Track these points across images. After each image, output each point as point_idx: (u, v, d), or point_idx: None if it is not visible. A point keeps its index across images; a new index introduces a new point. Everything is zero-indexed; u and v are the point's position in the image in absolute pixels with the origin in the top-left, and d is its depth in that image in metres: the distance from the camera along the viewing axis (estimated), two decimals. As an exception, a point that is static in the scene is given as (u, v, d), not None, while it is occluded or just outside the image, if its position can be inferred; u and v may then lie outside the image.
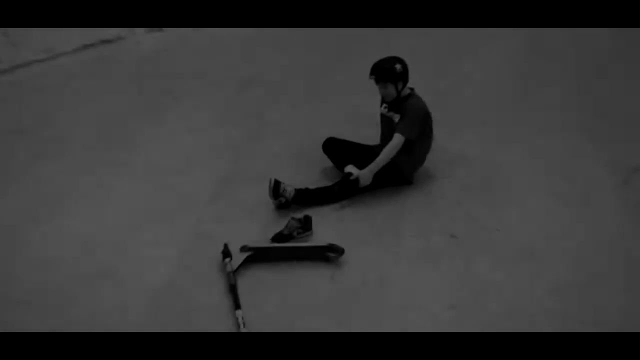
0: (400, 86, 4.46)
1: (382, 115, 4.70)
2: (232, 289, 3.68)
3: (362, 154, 4.61)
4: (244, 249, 3.92)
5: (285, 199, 4.38)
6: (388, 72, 4.40)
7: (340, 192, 4.43)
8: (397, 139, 4.40)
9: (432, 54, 6.29)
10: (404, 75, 4.46)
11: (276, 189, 4.34)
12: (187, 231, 4.20)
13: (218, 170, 4.80)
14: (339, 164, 4.64)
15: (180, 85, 5.98)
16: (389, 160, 4.41)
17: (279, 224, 4.23)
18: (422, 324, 3.45)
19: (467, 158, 4.91)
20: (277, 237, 4.11)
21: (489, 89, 5.92)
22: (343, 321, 3.53)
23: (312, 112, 5.59)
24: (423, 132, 4.54)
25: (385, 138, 4.60)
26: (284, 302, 3.68)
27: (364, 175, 4.43)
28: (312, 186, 4.53)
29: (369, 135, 4.89)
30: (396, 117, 4.52)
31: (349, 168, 4.50)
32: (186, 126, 5.41)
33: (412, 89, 4.58)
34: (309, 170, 4.75)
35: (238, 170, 4.80)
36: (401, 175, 4.61)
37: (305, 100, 5.80)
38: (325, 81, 6.08)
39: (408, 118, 4.44)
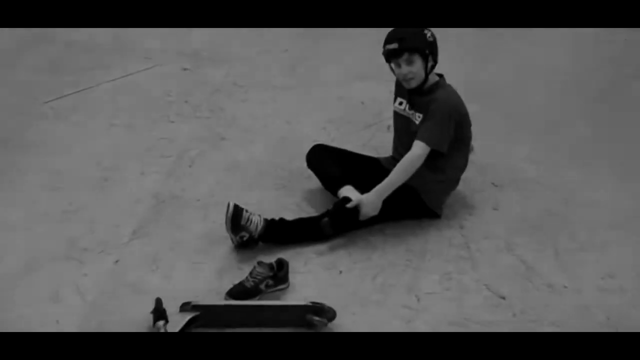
0: (430, 65, 4.08)
1: (396, 113, 4.36)
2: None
3: (366, 170, 4.30)
4: (185, 307, 3.58)
5: (250, 235, 3.97)
6: (417, 37, 4.03)
7: (332, 225, 4.11)
8: (419, 150, 4.02)
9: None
10: (434, 48, 4.09)
11: (236, 218, 3.93)
12: (102, 279, 3.87)
13: (147, 188, 4.56)
14: (331, 185, 4.31)
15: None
16: (405, 180, 4.05)
17: (240, 272, 3.88)
18: None
19: (520, 181, 4.68)
20: (237, 292, 3.70)
21: (551, 86, 6.02)
22: None
23: (291, 107, 5.60)
24: (457, 140, 4.14)
25: (401, 147, 4.26)
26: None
27: (368, 202, 4.04)
28: (289, 216, 4.16)
29: (377, 143, 4.90)
30: (418, 117, 4.15)
31: (346, 191, 4.16)
32: (107, 121, 5.28)
33: (441, 76, 4.25)
34: (287, 193, 4.54)
35: (177, 189, 4.56)
36: (423, 204, 4.21)
37: (282, 89, 5.87)
38: (310, 64, 6.26)
39: (435, 118, 4.05)
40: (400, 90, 4.23)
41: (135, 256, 3.98)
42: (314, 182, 4.44)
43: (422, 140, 4.01)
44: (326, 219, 4.07)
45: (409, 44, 4.02)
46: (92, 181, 4.59)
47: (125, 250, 4.02)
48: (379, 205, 4.04)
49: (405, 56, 4.01)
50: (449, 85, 4.16)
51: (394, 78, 4.18)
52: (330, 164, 4.33)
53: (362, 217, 4.05)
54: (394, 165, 4.08)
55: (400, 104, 4.26)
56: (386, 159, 4.36)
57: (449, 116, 4.03)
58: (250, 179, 4.62)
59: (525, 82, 6.06)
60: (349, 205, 4.03)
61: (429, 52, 4.01)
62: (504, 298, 3.73)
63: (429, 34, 4.05)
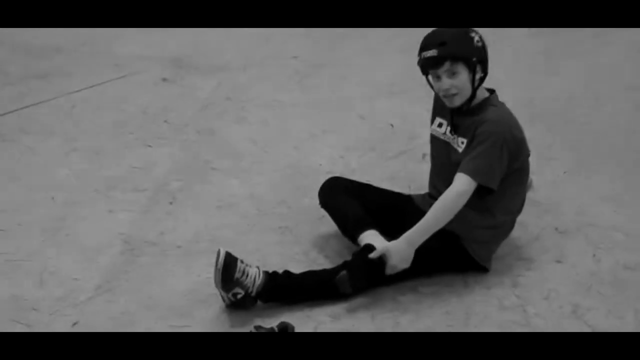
0: (478, 77, 4.05)
1: (434, 138, 4.35)
2: None
3: (395, 211, 4.33)
4: None
5: (245, 292, 3.94)
6: (462, 41, 4.01)
7: (351, 281, 4.07)
8: (462, 185, 4.00)
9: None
10: (484, 55, 4.06)
11: (228, 271, 3.90)
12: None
13: (116, 231, 4.57)
14: (350, 228, 4.30)
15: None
16: (444, 224, 4.03)
17: None
18: None
19: (593, 227, 4.64)
20: None
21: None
22: None
23: (300, 129, 5.66)
24: (511, 174, 4.11)
25: (440, 182, 4.24)
26: None
27: (397, 251, 4.01)
28: (296, 269, 4.13)
29: (408, 175, 4.93)
30: (461, 144, 4.14)
31: (369, 237, 4.14)
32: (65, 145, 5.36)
33: (492, 91, 4.22)
34: (293, 239, 4.52)
35: (154, 232, 4.58)
36: (467, 255, 4.18)
37: (289, 107, 5.98)
38: (324, 74, 6.39)
39: (484, 146, 4.02)
40: (440, 108, 4.23)
41: (99, 317, 3.93)
42: (328, 225, 4.43)
43: (467, 172, 3.99)
44: (344, 272, 4.06)
45: (452, 50, 4.01)
46: (45, 221, 4.60)
47: (86, 309, 3.98)
48: (411, 255, 4.02)
49: (447, 66, 4.00)
50: (502, 104, 4.15)
51: (431, 93, 4.19)
52: (350, 202, 4.32)
53: (389, 271, 4.03)
54: (430, 205, 4.08)
55: (440, 125, 4.25)
56: (421, 196, 4.36)
57: (501, 143, 4.01)
58: (247, 220, 4.62)
59: (601, 98, 6.05)
60: (372, 255, 4.02)
61: (478, 60, 4.02)
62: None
63: (476, 38, 4.05)
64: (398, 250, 4.01)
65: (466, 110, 4.09)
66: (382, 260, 4.02)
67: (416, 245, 4.01)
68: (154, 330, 3.86)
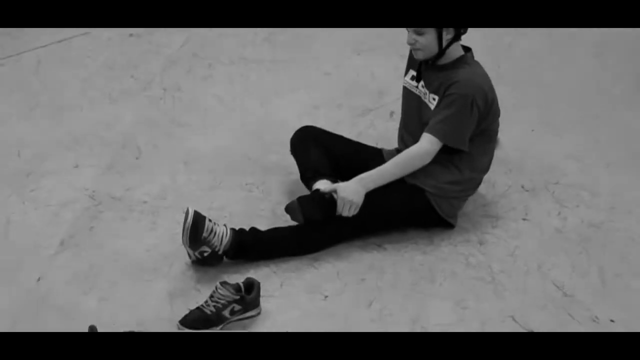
0: (447, 37, 4.05)
1: (406, 90, 4.35)
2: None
3: (363, 161, 4.33)
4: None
5: (212, 250, 3.94)
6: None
7: (303, 208, 4.11)
8: (428, 144, 4.05)
9: None
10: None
11: (196, 230, 3.91)
12: (20, 302, 3.88)
13: (81, 186, 4.59)
14: (307, 177, 4.36)
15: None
16: (400, 176, 4.10)
17: (198, 294, 3.91)
18: None
19: (558, 185, 4.70)
20: (193, 320, 3.72)
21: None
22: None
23: (267, 86, 5.64)
24: (480, 132, 4.14)
25: (409, 137, 4.28)
26: None
27: (347, 186, 4.06)
28: (262, 225, 4.16)
29: (376, 133, 4.92)
30: (432, 100, 4.15)
31: (322, 184, 4.20)
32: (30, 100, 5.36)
33: (468, 50, 4.21)
34: (260, 195, 4.56)
35: (119, 187, 4.60)
36: (433, 211, 4.21)
37: (256, 63, 5.90)
38: (293, 30, 6.24)
39: (455, 107, 4.04)
40: (413, 60, 4.23)
41: (64, 273, 3.94)
42: (296, 181, 4.42)
43: (434, 133, 4.01)
44: (294, 200, 4.09)
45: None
46: (10, 177, 4.59)
47: (50, 265, 3.99)
48: (361, 192, 4.04)
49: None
50: (477, 63, 4.16)
51: (399, 51, 4.20)
52: (316, 152, 4.36)
53: (340, 206, 4.04)
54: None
55: (412, 78, 4.25)
56: (389, 152, 4.36)
57: (471, 105, 4.03)
58: (214, 176, 4.63)
59: (567, 59, 6.06)
60: (323, 190, 4.06)
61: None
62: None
63: None
64: (348, 186, 4.05)
65: (437, 66, 4.10)
66: (332, 198, 4.05)
67: (367, 188, 4.04)
68: (118, 285, 3.89)
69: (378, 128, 4.94)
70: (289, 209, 4.12)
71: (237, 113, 5.20)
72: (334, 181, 4.16)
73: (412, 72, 4.25)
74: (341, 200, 4.00)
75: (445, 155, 4.06)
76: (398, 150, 4.27)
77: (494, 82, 4.16)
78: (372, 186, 4.05)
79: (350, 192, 4.02)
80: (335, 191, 4.04)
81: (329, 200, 4.03)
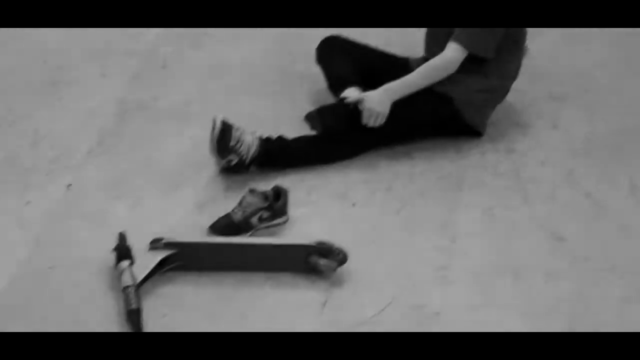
0: None
1: None
2: (132, 317, 3.33)
3: (389, 70, 4.27)
4: (156, 245, 3.59)
5: (239, 159, 3.97)
6: None
7: (322, 117, 4.18)
8: (453, 52, 4.04)
9: None
10: None
11: (224, 139, 3.93)
12: (50, 208, 3.86)
13: (109, 94, 4.60)
14: (334, 84, 4.37)
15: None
16: (425, 85, 4.08)
17: (226, 202, 3.89)
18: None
19: (588, 93, 4.69)
20: (222, 226, 3.72)
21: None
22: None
23: None
24: (507, 39, 4.11)
25: (435, 46, 4.21)
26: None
27: (373, 95, 4.06)
28: (290, 133, 4.15)
29: (404, 40, 4.80)
30: None
31: (350, 91, 4.19)
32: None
33: None
34: (287, 103, 4.53)
35: (147, 95, 4.60)
36: (461, 119, 4.20)
37: None
38: None
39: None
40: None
41: (93, 179, 3.97)
42: (323, 88, 4.43)
43: (459, 41, 4.00)
44: (313, 109, 4.14)
45: None
46: (37, 84, 4.61)
47: (80, 171, 4.02)
48: (387, 102, 4.05)
49: None
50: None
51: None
52: (342, 60, 4.35)
53: (366, 116, 4.06)
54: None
55: (435, -11, 4.16)
56: (416, 60, 4.34)
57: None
58: (241, 84, 4.63)
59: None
60: (347, 100, 4.07)
61: None
62: (562, 240, 3.75)
63: None
64: (373, 96, 4.05)
65: None
66: (357, 109, 4.06)
67: (393, 97, 4.05)
68: (148, 192, 3.93)
69: (405, 35, 4.86)
70: (308, 117, 4.15)
71: (268, 33, 5.15)
72: (363, 90, 4.16)
73: None
74: (367, 111, 4.01)
75: (473, 63, 4.05)
76: (425, 59, 4.24)
77: None
78: (397, 96, 4.06)
79: (376, 103, 4.02)
80: (360, 101, 4.05)
81: (352, 110, 4.05)
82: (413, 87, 4.05)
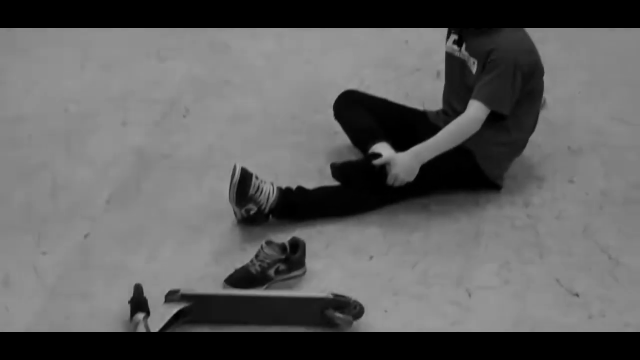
0: None
1: (448, 55, 4.33)
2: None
3: (408, 126, 4.32)
4: (172, 297, 3.60)
5: (258, 208, 3.97)
6: None
7: (343, 170, 4.15)
8: (476, 112, 4.03)
9: None
10: None
11: (244, 187, 3.93)
12: (67, 258, 3.89)
13: (129, 143, 4.61)
14: (361, 139, 4.34)
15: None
16: (454, 145, 4.06)
17: (243, 253, 3.91)
18: None
19: (605, 146, 4.63)
20: (238, 279, 3.75)
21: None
22: None
23: (314, 44, 5.60)
24: (525, 93, 4.11)
25: (454, 99, 4.25)
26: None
27: (401, 162, 4.05)
28: (309, 184, 4.15)
29: (423, 93, 4.85)
30: (473, 63, 4.13)
31: (379, 147, 4.17)
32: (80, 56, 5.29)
33: None
34: (307, 154, 4.54)
35: (167, 145, 4.62)
36: (479, 172, 4.20)
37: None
38: None
39: (497, 71, 4.03)
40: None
41: (111, 229, 3.97)
42: (343, 140, 4.43)
43: (480, 99, 4.00)
44: (340, 164, 4.11)
45: None
46: (58, 131, 4.61)
47: (97, 221, 4.02)
48: (415, 169, 4.04)
49: None
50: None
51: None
52: (363, 114, 4.33)
53: (390, 181, 4.05)
54: (444, 122, 4.08)
55: (454, 42, 4.23)
56: (435, 113, 4.34)
57: (514, 68, 4.01)
58: (261, 135, 4.62)
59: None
60: (375, 162, 4.04)
61: None
62: (578, 295, 3.71)
63: None
64: (403, 161, 4.04)
65: (479, 29, 4.09)
66: (384, 169, 4.04)
67: (423, 161, 4.03)
68: (165, 244, 3.93)
69: (425, 87, 4.91)
70: (333, 170, 4.12)
71: (285, 72, 5.20)
72: (390, 144, 4.17)
73: (454, 37, 4.25)
74: (394, 175, 4.02)
75: (492, 117, 4.04)
76: (444, 112, 4.28)
77: (540, 42, 4.13)
78: (427, 159, 4.06)
79: (404, 170, 4.04)
80: (389, 163, 4.04)
81: (378, 171, 4.04)
82: (442, 148, 4.05)
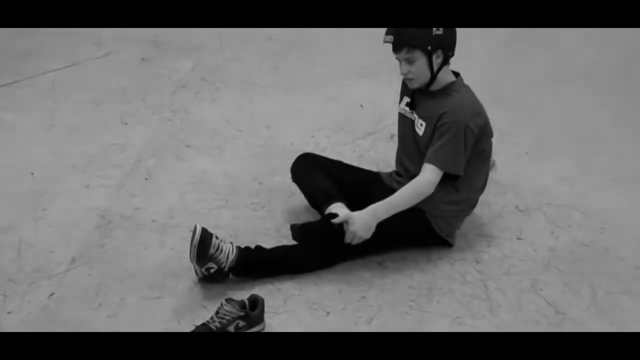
0: (437, 61, 3.99)
1: (401, 116, 4.31)
2: None
3: (363, 187, 4.32)
4: None
5: (218, 267, 3.91)
6: (418, 30, 3.96)
7: (304, 232, 4.08)
8: (430, 175, 4.03)
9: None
10: (446, 41, 4.00)
11: (204, 246, 3.87)
12: (32, 318, 3.79)
13: (92, 205, 4.56)
14: (318, 200, 4.28)
15: None
16: (409, 206, 4.04)
17: (204, 311, 3.87)
18: None
19: (550, 205, 4.69)
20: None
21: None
22: None
23: (272, 110, 5.65)
24: (475, 154, 4.10)
25: (406, 160, 4.25)
26: None
27: (360, 219, 4.00)
28: (267, 243, 4.11)
29: (377, 155, 4.94)
30: (420, 126, 4.15)
31: (336, 208, 4.12)
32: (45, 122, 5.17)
33: (457, 75, 4.16)
34: (265, 214, 4.53)
35: (129, 207, 4.58)
36: (431, 231, 4.17)
37: (262, 87, 5.96)
38: (297, 56, 6.41)
39: (449, 135, 4.00)
40: (407, 88, 4.20)
41: (74, 289, 3.90)
42: (300, 201, 4.40)
43: (433, 163, 3.99)
44: (298, 223, 4.07)
45: (406, 39, 3.95)
46: (23, 196, 4.56)
47: (62, 281, 3.95)
48: (373, 226, 4.01)
49: (404, 53, 3.96)
50: (466, 87, 4.12)
51: (399, 76, 4.15)
52: (320, 176, 4.30)
53: (348, 239, 4.01)
54: (398, 183, 4.09)
55: (407, 104, 4.22)
56: (388, 174, 4.33)
57: (464, 132, 4.00)
58: (220, 196, 4.60)
59: (556, 86, 6.06)
60: (334, 220, 4.01)
61: (435, 47, 3.95)
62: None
63: (436, 28, 3.99)
64: (360, 219, 3.99)
65: (429, 92, 4.07)
66: (342, 228, 4.00)
67: (379, 219, 4.00)
68: (127, 301, 3.85)
69: (379, 150, 4.92)
70: (294, 231, 4.09)
71: (244, 135, 5.18)
72: (347, 204, 4.13)
73: (407, 99, 4.22)
74: (352, 233, 3.97)
75: (444, 178, 4.03)
76: (397, 173, 4.26)
77: (488, 105, 4.12)
78: (383, 218, 4.02)
79: (362, 227, 3.99)
80: (346, 222, 4.01)
81: (336, 230, 4.00)
82: (398, 208, 4.02)
